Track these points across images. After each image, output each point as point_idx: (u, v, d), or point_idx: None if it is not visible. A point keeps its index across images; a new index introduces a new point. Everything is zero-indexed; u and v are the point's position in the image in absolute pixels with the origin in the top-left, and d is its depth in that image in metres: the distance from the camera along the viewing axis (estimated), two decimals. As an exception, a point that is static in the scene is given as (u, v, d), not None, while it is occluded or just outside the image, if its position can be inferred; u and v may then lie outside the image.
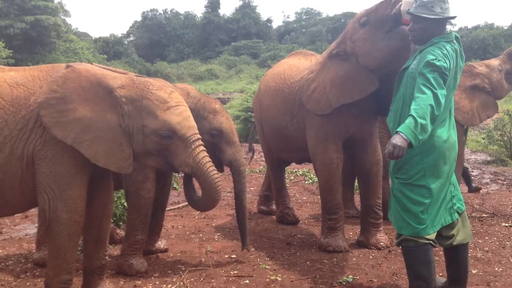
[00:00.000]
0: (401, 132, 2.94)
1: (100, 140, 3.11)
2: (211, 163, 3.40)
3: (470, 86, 5.62)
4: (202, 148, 3.36)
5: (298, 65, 5.26)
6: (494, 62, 5.88)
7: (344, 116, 4.57)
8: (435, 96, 3.02)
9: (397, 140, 2.92)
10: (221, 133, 4.27)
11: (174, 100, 3.33)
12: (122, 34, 63.06)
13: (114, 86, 3.21)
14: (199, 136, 3.37)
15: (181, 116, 3.30)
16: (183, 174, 3.75)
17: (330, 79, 4.52)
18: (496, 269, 4.18)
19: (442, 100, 3.06)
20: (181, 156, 3.30)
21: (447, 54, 3.16)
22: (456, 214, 3.37)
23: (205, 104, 4.30)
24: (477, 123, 5.74)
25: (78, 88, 3.13)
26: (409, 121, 2.97)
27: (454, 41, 3.28)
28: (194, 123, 3.38)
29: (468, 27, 49.88)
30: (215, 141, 4.23)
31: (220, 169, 4.29)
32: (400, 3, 3.81)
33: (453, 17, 3.32)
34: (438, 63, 3.08)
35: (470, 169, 8.71)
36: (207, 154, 3.40)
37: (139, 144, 3.24)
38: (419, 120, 2.95)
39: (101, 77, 3.22)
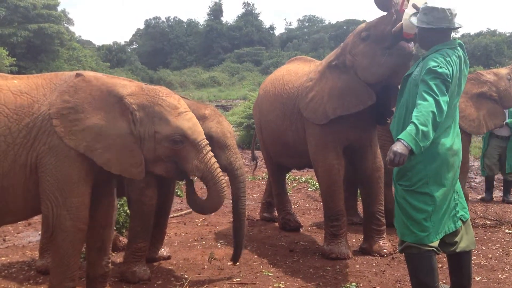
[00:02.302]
0: (402, 139, 2.94)
1: (111, 147, 3.15)
2: (220, 170, 3.51)
3: (476, 94, 5.53)
4: (211, 154, 3.47)
5: (297, 70, 5.28)
6: (503, 70, 5.83)
7: (343, 125, 4.59)
8: (437, 103, 3.02)
9: (398, 147, 2.92)
10: (211, 138, 4.11)
11: (183, 107, 3.45)
12: (125, 42, 63.43)
13: (124, 94, 3.25)
14: (207, 141, 3.45)
15: (191, 122, 3.40)
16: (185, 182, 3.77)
17: (329, 90, 4.54)
18: (500, 276, 4.17)
19: (444, 107, 3.06)
20: (193, 161, 3.38)
21: (450, 61, 3.16)
22: (460, 222, 3.35)
23: (194, 112, 4.27)
24: (484, 132, 5.66)
25: (89, 97, 3.17)
26: (410, 128, 2.97)
27: (458, 47, 3.28)
28: (202, 129, 3.49)
29: (471, 34, 49.89)
30: None
31: None
32: (401, 22, 3.82)
33: (453, 28, 3.29)
34: (440, 70, 3.09)
35: (474, 176, 8.69)
36: (216, 160, 3.49)
37: (150, 150, 3.29)
38: (421, 127, 2.95)
39: (111, 86, 3.26)
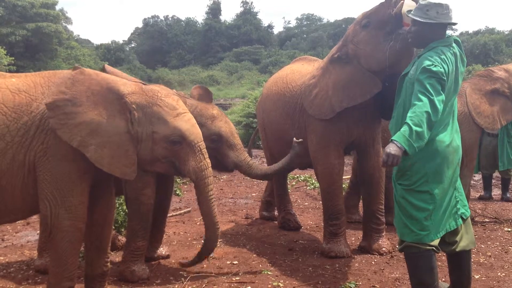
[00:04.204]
0: (395, 141, 2.95)
1: (106, 145, 3.11)
2: (212, 177, 3.51)
3: (490, 91, 5.58)
4: (208, 160, 3.46)
5: (301, 70, 5.26)
6: None
7: (347, 121, 4.56)
8: (432, 103, 3.01)
9: (391, 148, 2.93)
10: (221, 137, 4.29)
11: (182, 107, 3.41)
12: (123, 40, 63.36)
13: (124, 92, 3.21)
14: (204, 145, 3.45)
15: (189, 123, 3.37)
16: (184, 180, 3.78)
17: (333, 83, 4.50)
18: (499, 274, 4.17)
19: (440, 106, 3.04)
20: (191, 162, 3.36)
21: (445, 59, 3.14)
22: (461, 220, 3.34)
23: (202, 111, 4.30)
24: (498, 128, 5.70)
25: (88, 91, 3.13)
26: (404, 129, 2.97)
27: (454, 44, 3.27)
28: (200, 130, 3.47)
29: (469, 32, 49.91)
30: (216, 146, 4.24)
31: (226, 171, 4.50)
32: (401, 2, 3.81)
33: (452, 24, 3.30)
34: (434, 69, 3.07)
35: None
36: (210, 164, 3.49)
37: (147, 151, 3.26)
38: (414, 128, 2.95)
39: (111, 82, 3.23)
